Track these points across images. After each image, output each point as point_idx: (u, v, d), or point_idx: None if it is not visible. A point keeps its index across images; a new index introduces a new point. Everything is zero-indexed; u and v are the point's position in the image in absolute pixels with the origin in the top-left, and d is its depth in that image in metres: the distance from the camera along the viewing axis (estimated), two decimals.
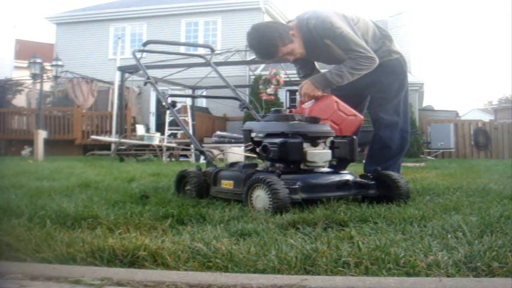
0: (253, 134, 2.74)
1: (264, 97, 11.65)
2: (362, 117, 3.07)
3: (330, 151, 2.63)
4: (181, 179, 3.10)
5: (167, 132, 11.90)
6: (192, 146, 10.18)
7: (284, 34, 2.95)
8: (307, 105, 2.98)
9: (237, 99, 3.58)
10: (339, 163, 2.73)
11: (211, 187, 2.84)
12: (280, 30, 2.96)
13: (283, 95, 15.57)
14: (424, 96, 21.05)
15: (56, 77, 14.73)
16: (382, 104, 3.29)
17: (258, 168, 2.70)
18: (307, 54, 3.11)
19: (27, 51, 18.01)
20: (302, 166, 2.57)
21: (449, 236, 1.66)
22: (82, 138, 14.96)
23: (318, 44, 3.05)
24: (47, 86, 16.67)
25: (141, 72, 4.72)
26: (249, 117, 5.95)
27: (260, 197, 2.36)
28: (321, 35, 2.99)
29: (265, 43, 2.95)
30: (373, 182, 2.63)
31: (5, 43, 19.27)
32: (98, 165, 7.16)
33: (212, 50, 4.15)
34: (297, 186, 2.38)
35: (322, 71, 3.21)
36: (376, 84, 3.21)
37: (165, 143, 11.27)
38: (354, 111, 2.97)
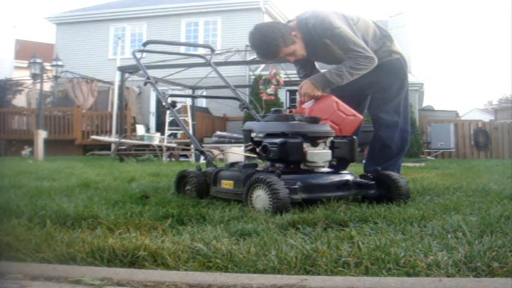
0: (253, 134, 2.74)
1: (264, 97, 11.66)
2: (361, 117, 3.07)
3: (330, 151, 2.63)
4: (181, 179, 3.10)
5: (167, 132, 11.90)
6: (192, 146, 10.18)
7: (286, 35, 2.95)
8: (307, 105, 2.98)
9: (237, 99, 3.58)
10: (339, 163, 2.73)
11: (211, 187, 2.84)
12: (283, 31, 2.96)
13: (283, 95, 15.57)
14: (424, 96, 21.05)
15: (56, 77, 14.72)
16: (382, 104, 3.29)
17: (258, 168, 2.70)
18: (307, 54, 3.11)
19: (27, 51, 18.01)
20: (302, 166, 2.57)
21: (449, 236, 1.66)
22: (82, 138, 14.95)
23: (318, 44, 3.05)
24: (47, 86, 16.66)
25: (141, 72, 4.73)
26: (249, 117, 5.95)
27: (260, 197, 2.36)
28: (320, 34, 2.99)
29: (268, 43, 2.95)
30: (373, 182, 2.63)
31: (5, 43, 19.26)
32: (98, 165, 7.15)
33: (212, 50, 4.14)
34: (297, 186, 2.38)
35: (322, 71, 3.21)
36: (376, 85, 3.21)
37: (165, 143, 11.28)
38: (353, 111, 2.97)
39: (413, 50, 19.09)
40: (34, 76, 14.14)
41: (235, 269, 1.37)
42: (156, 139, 11.35)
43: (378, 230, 1.81)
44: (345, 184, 2.58)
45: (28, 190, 3.22)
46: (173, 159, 10.94)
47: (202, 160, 6.72)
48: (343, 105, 2.95)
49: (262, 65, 15.28)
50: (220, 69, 4.06)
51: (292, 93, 15.70)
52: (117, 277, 1.29)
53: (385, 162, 3.20)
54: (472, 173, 5.30)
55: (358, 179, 2.66)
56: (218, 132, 12.96)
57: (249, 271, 1.35)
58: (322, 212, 2.17)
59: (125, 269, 1.41)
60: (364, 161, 3.59)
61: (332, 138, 2.68)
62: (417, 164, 8.66)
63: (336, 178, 2.60)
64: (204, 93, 13.13)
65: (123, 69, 12.12)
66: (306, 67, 3.37)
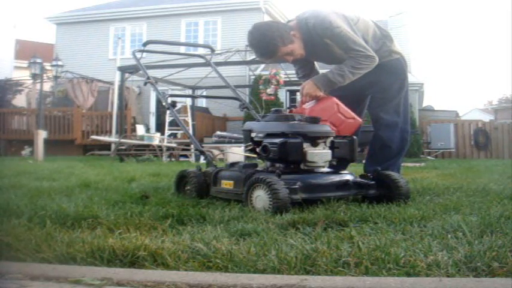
0: (253, 134, 2.74)
1: (264, 97, 11.67)
2: (361, 120, 3.07)
3: (330, 151, 2.63)
4: (181, 179, 3.10)
5: (167, 132, 11.90)
6: (192, 146, 10.18)
7: (285, 34, 2.96)
8: (308, 105, 2.98)
9: (237, 99, 3.58)
10: (339, 163, 2.73)
11: (211, 187, 2.84)
12: (281, 30, 2.96)
13: (283, 95, 15.57)
14: (424, 96, 21.05)
15: (56, 77, 14.71)
16: (382, 104, 3.29)
17: (258, 168, 2.70)
18: (307, 54, 3.11)
19: (27, 51, 18.00)
20: (302, 166, 2.57)
21: (449, 236, 1.66)
22: (82, 138, 14.95)
23: (318, 44, 3.05)
24: (47, 86, 16.65)
25: (141, 72, 4.73)
26: (249, 117, 5.95)
27: (260, 197, 2.36)
28: (320, 34, 2.99)
29: (266, 42, 2.95)
30: (373, 182, 2.63)
31: (5, 43, 19.26)
32: (98, 165, 7.15)
33: (212, 50, 4.15)
34: (297, 186, 2.38)
35: (322, 71, 3.21)
36: (376, 84, 3.21)
37: (165, 143, 11.27)
38: (353, 114, 2.97)
39: (413, 50, 19.09)
40: (34, 76, 14.13)
41: (235, 269, 1.37)
42: (156, 139, 11.35)
43: (378, 230, 1.81)
44: (345, 184, 2.58)
45: (28, 190, 3.22)
46: (173, 159, 10.94)
47: (202, 160, 6.73)
48: (344, 108, 2.94)
49: (262, 65, 15.28)
50: (220, 69, 4.06)
51: (292, 93, 15.70)
52: (117, 277, 1.29)
53: (385, 162, 3.20)
54: (472, 173, 5.30)
55: (358, 179, 2.66)
56: (218, 132, 12.95)
57: (249, 271, 1.35)
58: (322, 212, 2.17)
59: (125, 269, 1.41)
60: (364, 161, 3.59)
61: (332, 138, 2.68)
62: (417, 164, 8.66)
63: (336, 178, 2.60)
64: (204, 93, 13.13)
65: (123, 69, 12.11)
66: (305, 67, 3.37)
